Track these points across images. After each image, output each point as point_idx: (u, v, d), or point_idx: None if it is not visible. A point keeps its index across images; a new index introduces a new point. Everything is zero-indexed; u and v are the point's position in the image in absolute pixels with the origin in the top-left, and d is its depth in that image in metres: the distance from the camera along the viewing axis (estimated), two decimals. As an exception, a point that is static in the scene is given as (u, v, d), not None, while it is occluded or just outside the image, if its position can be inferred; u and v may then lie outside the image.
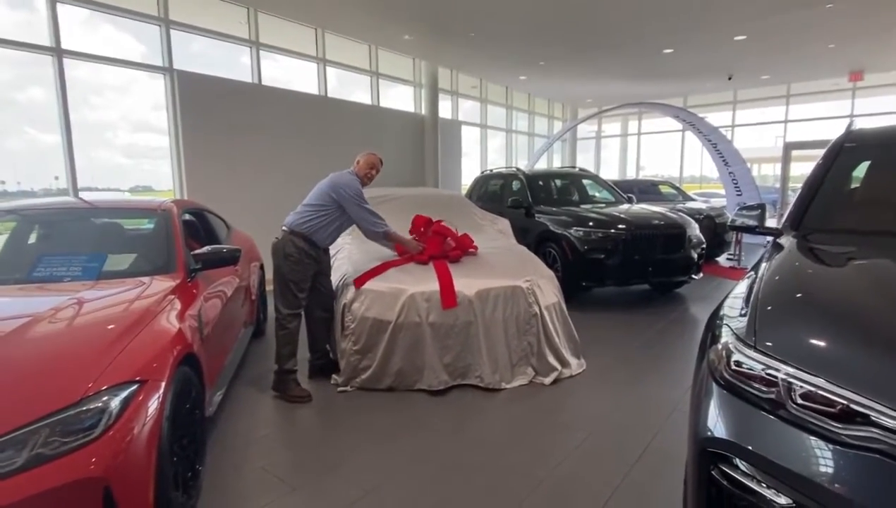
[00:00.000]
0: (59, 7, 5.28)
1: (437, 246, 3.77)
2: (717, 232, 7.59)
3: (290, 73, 8.25)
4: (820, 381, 1.21)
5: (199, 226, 3.77)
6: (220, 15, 6.84)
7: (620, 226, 5.30)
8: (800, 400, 1.21)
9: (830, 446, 1.15)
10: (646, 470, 2.39)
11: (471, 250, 3.93)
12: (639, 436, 2.69)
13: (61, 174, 5.51)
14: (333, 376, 3.40)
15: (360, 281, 3.38)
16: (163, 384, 1.77)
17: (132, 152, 6.88)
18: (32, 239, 3.04)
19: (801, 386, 1.22)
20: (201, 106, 6.28)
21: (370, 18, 7.42)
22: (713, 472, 1.34)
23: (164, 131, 6.23)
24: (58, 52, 5.25)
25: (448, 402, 3.16)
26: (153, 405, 1.70)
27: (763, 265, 1.88)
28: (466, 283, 3.40)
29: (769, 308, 1.52)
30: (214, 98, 6.43)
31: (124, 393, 1.63)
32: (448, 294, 3.29)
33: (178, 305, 2.26)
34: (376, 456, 2.54)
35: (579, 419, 2.94)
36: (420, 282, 3.38)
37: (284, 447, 2.68)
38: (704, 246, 5.75)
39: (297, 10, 7.27)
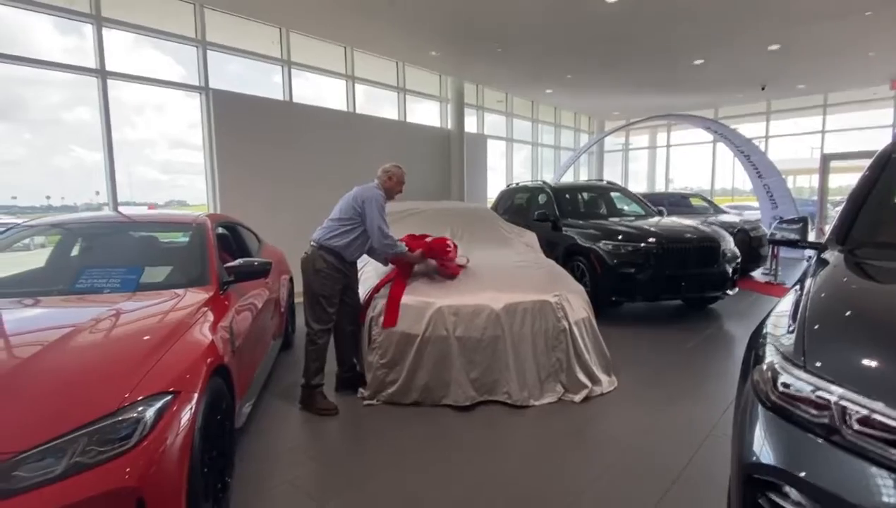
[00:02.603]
0: (105, 32, 5.56)
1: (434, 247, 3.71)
2: (752, 245, 7.34)
3: (320, 91, 8.46)
4: (878, 405, 1.13)
5: (232, 239, 3.86)
6: (253, 36, 7.08)
7: (651, 240, 5.18)
8: (856, 426, 1.14)
9: (892, 475, 1.07)
10: (683, 495, 2.28)
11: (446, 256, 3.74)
12: (675, 458, 2.59)
13: (102, 189, 5.75)
14: (360, 389, 3.39)
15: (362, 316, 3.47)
16: (195, 395, 1.80)
17: (169, 168, 7.15)
18: (75, 251, 3.16)
19: (857, 411, 1.15)
20: (235, 123, 6.48)
21: (398, 36, 7.56)
22: (760, 501, 1.27)
23: (200, 148, 6.45)
24: (102, 73, 5.52)
25: (475, 419, 3.11)
26: (186, 416, 1.72)
27: (808, 281, 1.79)
28: (494, 297, 3.36)
29: (817, 326, 1.44)
30: (247, 115, 6.63)
31: (159, 404, 1.65)
32: (391, 311, 3.28)
33: (210, 317, 2.30)
34: (403, 472, 2.51)
35: (611, 438, 2.85)
36: (447, 296, 3.36)
37: (312, 460, 2.68)
38: (739, 260, 5.56)
39: (327, 29, 7.47)
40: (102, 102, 5.54)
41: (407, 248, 3.51)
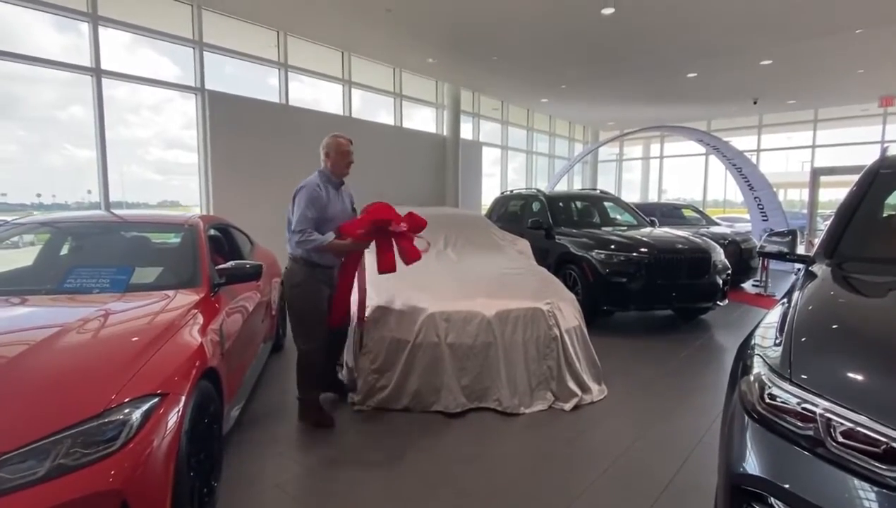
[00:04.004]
0: (102, 31, 5.54)
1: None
2: (742, 257, 7.41)
3: (316, 94, 8.47)
4: (862, 418, 1.15)
5: (224, 241, 3.84)
6: (251, 38, 7.08)
7: (643, 250, 5.22)
8: (840, 438, 1.15)
9: (875, 488, 1.08)
10: (672, 503, 2.29)
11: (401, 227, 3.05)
12: (663, 468, 2.60)
13: (94, 188, 5.70)
14: (350, 394, 3.37)
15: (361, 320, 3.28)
16: (183, 398, 1.78)
17: (163, 168, 7.11)
18: (64, 250, 3.13)
19: (841, 423, 1.16)
20: (230, 124, 6.47)
21: (395, 42, 7.59)
22: (746, 511, 1.27)
23: (194, 148, 6.43)
24: (97, 72, 5.49)
25: (465, 425, 3.10)
26: (173, 419, 1.70)
27: (796, 294, 1.81)
28: (486, 304, 3.37)
29: (804, 339, 1.46)
30: (242, 117, 6.62)
31: (145, 406, 1.64)
32: (339, 309, 3.08)
33: (200, 319, 2.29)
34: (392, 479, 2.50)
35: (601, 447, 2.85)
36: (439, 302, 3.36)
37: (300, 465, 2.66)
38: (730, 271, 5.61)
39: (324, 34, 7.49)
40: (96, 101, 5.52)
41: (332, 237, 2.89)
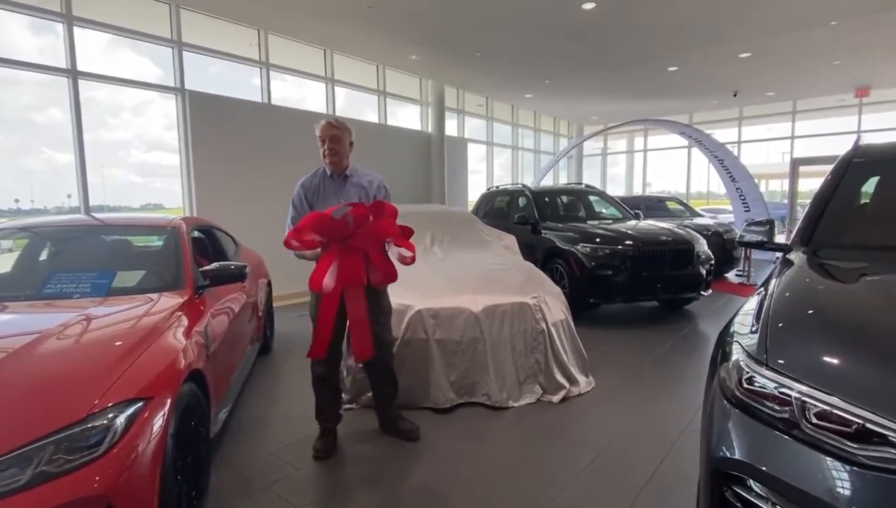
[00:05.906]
0: (78, 31, 5.43)
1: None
2: (725, 248, 7.54)
3: (300, 93, 8.40)
4: (834, 400, 1.18)
5: (208, 242, 3.81)
6: (232, 37, 6.99)
7: (628, 243, 5.28)
8: (814, 420, 1.19)
9: (847, 467, 1.12)
10: (657, 492, 2.33)
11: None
12: (649, 456, 2.64)
13: (74, 192, 5.60)
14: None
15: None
16: (168, 401, 1.77)
17: (144, 171, 7.00)
18: (44, 255, 3.08)
19: (815, 405, 1.20)
20: (211, 125, 6.39)
21: (377, 39, 7.55)
22: (726, 493, 1.31)
23: (176, 150, 6.34)
24: (73, 73, 5.39)
25: (454, 421, 3.12)
26: (158, 422, 1.69)
27: (773, 281, 1.85)
28: (473, 300, 3.38)
29: (780, 325, 1.49)
30: (224, 117, 6.54)
31: (130, 411, 1.62)
32: (317, 337, 2.48)
33: (185, 322, 2.27)
34: (383, 477, 2.50)
35: (588, 438, 2.89)
36: (426, 299, 3.37)
37: (290, 466, 2.65)
38: (713, 262, 5.70)
39: (305, 32, 7.42)
40: (73, 103, 5.41)
41: (304, 247, 2.45)
